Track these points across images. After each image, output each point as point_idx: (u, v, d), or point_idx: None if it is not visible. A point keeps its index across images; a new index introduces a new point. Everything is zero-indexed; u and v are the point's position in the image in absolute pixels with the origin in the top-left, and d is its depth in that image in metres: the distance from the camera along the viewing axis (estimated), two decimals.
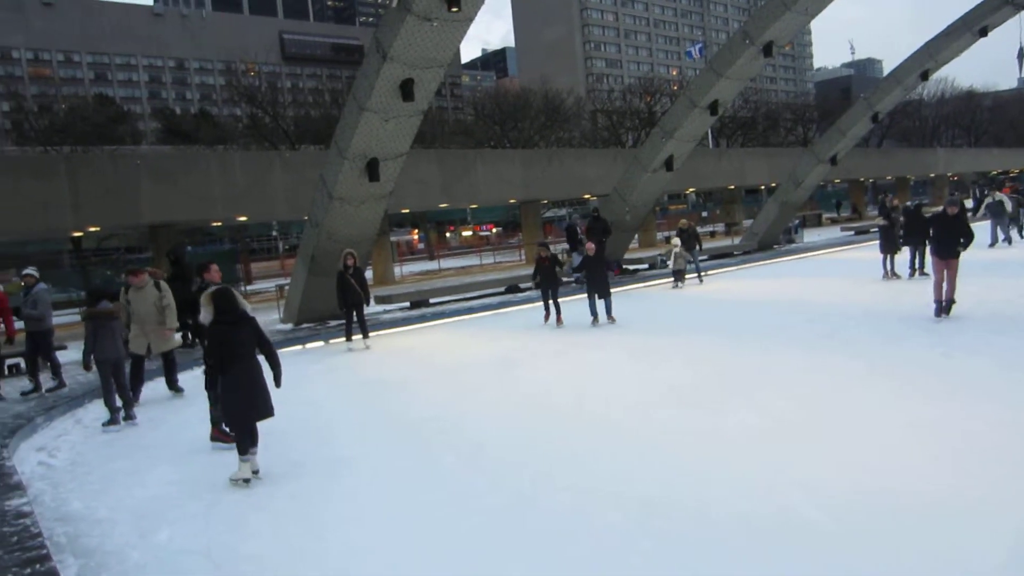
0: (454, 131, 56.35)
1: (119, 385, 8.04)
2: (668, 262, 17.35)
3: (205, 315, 5.86)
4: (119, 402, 8.02)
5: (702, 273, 17.92)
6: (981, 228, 17.34)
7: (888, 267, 14.95)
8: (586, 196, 32.95)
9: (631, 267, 20.64)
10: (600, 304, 12.26)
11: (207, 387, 6.35)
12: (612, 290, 12.46)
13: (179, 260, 12.66)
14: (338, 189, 13.00)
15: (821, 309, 11.98)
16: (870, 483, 4.67)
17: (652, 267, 20.30)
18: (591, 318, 12.25)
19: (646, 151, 18.96)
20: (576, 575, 3.93)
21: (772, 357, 8.78)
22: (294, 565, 4.33)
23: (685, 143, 18.64)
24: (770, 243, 24.73)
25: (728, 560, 3.89)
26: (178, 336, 10.32)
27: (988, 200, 20.06)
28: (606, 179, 26.58)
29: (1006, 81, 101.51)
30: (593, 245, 12.41)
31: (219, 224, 29.63)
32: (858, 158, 41.35)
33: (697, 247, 17.74)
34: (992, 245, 19.05)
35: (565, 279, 14.75)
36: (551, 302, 12.69)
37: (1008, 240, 19.48)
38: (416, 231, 47.56)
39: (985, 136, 78.17)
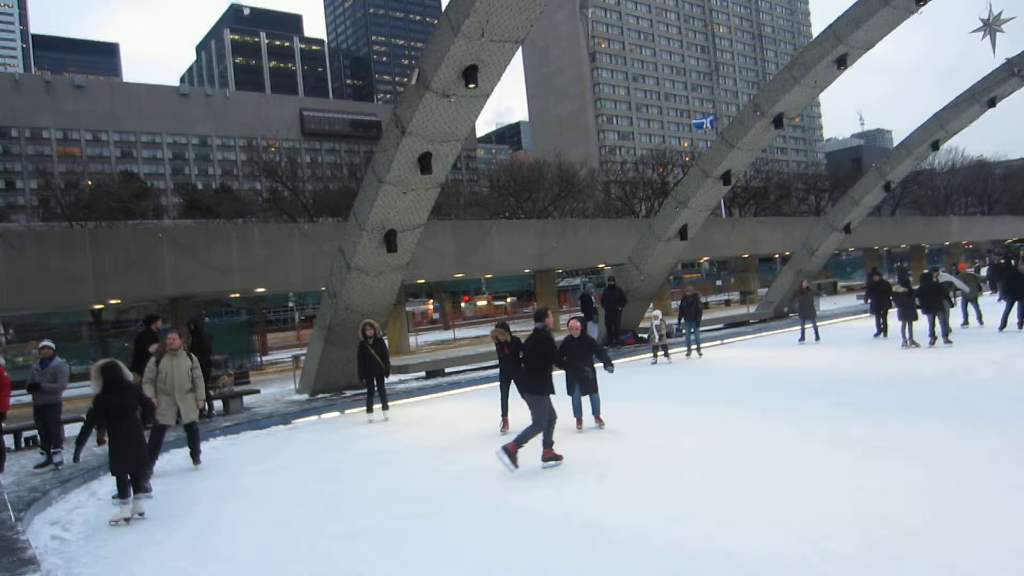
0: (470, 202, 57.37)
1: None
2: (650, 336, 16.56)
3: (95, 386, 7.00)
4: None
5: (700, 346, 16.96)
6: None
7: (907, 335, 14.82)
8: (600, 265, 33.12)
9: (645, 335, 20.52)
10: (586, 402, 9.46)
11: (78, 440, 8.37)
12: (620, 361, 11.44)
13: (199, 330, 12.77)
14: (356, 260, 13.19)
15: (839, 377, 11.82)
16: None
17: (669, 335, 20.19)
18: (574, 420, 9.34)
19: (660, 220, 19.16)
20: None
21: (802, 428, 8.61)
22: None
23: (698, 212, 18.84)
24: (785, 311, 24.60)
25: None
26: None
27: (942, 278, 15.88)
28: (620, 248, 26.79)
29: (1016, 151, 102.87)
30: (577, 324, 9.21)
31: (237, 295, 30.02)
32: (872, 226, 41.51)
33: (697, 319, 16.83)
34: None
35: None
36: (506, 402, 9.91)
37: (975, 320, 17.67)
38: (431, 301, 47.83)
39: (998, 204, 78.42)
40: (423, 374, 16.21)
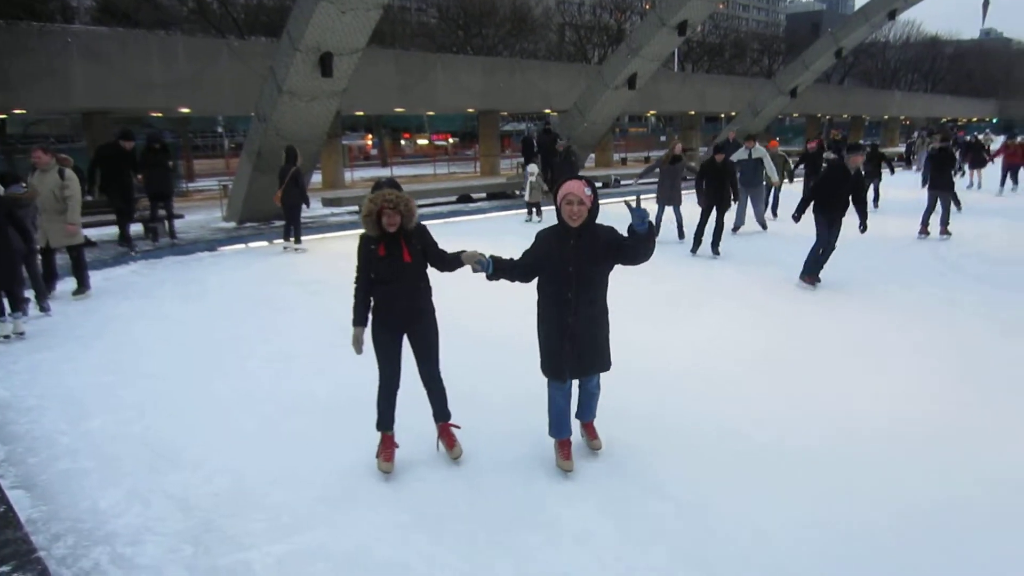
0: (415, 32, 54.00)
1: (31, 275, 7.66)
2: (524, 193, 14.97)
3: None
4: (31, 293, 7.59)
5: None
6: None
7: None
8: (547, 111, 32.29)
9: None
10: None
11: None
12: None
13: (165, 147, 12.18)
14: (289, 82, 12.39)
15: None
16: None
17: (606, 186, 20.25)
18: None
19: (610, 67, 18.59)
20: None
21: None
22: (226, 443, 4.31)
23: (650, 62, 18.31)
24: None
25: None
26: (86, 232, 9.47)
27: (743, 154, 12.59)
28: (569, 94, 25.99)
29: (969, 31, 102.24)
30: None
31: (159, 115, 28.12)
32: (818, 93, 41.45)
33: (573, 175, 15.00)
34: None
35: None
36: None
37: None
38: (370, 136, 46.14)
39: (941, 84, 79.09)
40: (357, 208, 15.89)
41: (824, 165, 13.12)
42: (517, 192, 16.53)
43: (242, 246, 12.39)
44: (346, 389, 5.11)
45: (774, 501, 3.71)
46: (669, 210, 11.58)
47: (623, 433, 4.43)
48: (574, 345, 3.81)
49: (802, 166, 15.14)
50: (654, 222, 9.79)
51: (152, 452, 4.42)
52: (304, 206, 11.92)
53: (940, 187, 11.87)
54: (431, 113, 39.67)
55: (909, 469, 4.02)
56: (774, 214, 14.04)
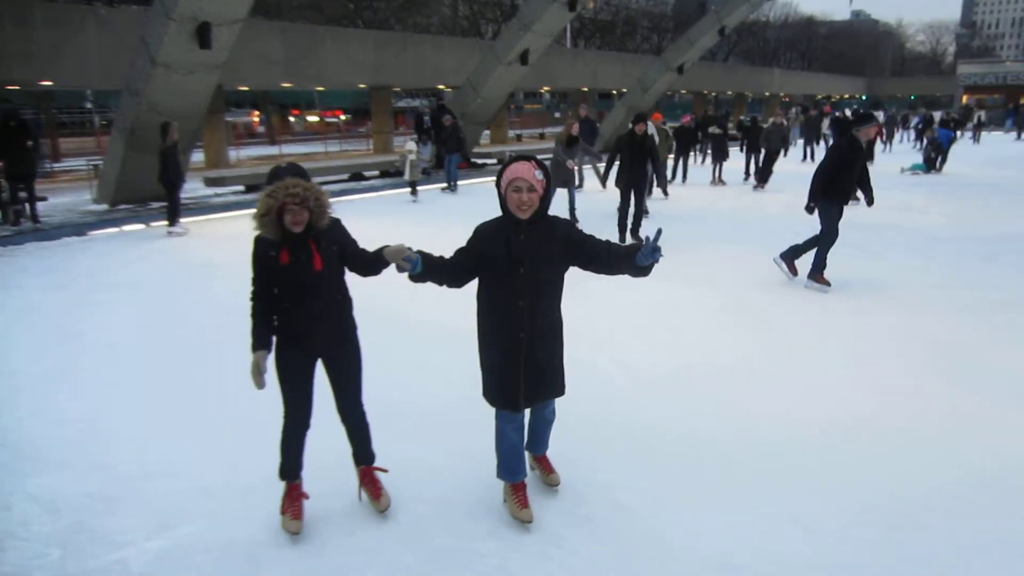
0: (302, 4, 51.89)
1: None
2: (404, 171, 14.18)
3: None
4: None
5: (456, 181, 14.38)
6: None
7: (717, 174, 16.21)
8: (440, 87, 31.90)
9: (479, 161, 20.55)
10: None
11: None
12: (459, 182, 11.66)
13: (24, 124, 11.39)
14: (163, 54, 11.64)
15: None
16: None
17: (500, 163, 20.31)
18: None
19: (502, 42, 18.55)
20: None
21: None
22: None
23: (542, 37, 18.39)
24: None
25: None
26: None
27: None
28: (462, 70, 25.74)
29: (841, 12, 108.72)
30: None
31: (15, 88, 25.77)
32: (704, 70, 42.97)
33: (459, 151, 14.63)
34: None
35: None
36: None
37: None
38: (257, 113, 44.11)
39: (817, 62, 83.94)
40: (242, 188, 15.24)
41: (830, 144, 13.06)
42: (396, 167, 15.62)
43: (115, 230, 11.59)
44: (226, 374, 4.90)
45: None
46: (563, 192, 10.26)
47: (579, 455, 3.80)
48: (530, 366, 3.10)
49: (674, 142, 15.93)
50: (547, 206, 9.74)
51: (11, 453, 4.09)
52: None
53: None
54: (321, 89, 38.37)
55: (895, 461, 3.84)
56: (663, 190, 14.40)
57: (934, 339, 5.78)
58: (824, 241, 7.06)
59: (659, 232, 2.90)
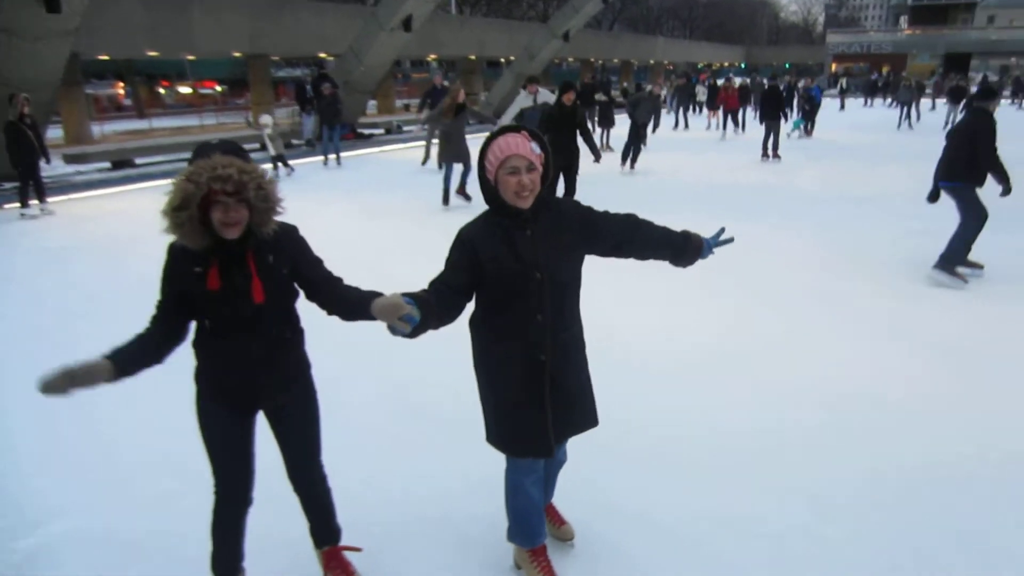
0: None
1: None
2: (269, 148, 13.19)
3: None
4: None
5: (340, 154, 14.05)
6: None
7: (605, 140, 16.64)
8: (322, 55, 30.74)
9: (366, 131, 20.06)
10: None
11: None
12: (344, 154, 11.33)
13: None
14: (5, 19, 10.60)
15: None
16: None
17: (388, 132, 19.92)
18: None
19: (384, 8, 18.06)
20: None
21: None
22: None
23: (424, 3, 18.10)
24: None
25: None
26: None
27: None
28: (344, 38, 24.86)
29: None
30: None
31: None
32: (589, 38, 43.58)
33: (338, 123, 13.93)
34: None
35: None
36: None
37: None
38: (121, 84, 41.02)
39: (698, 31, 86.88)
40: (108, 164, 14.20)
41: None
42: (260, 145, 14.33)
43: None
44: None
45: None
46: (457, 167, 9.68)
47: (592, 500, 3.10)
48: (557, 394, 2.39)
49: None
50: (446, 187, 9.31)
51: None
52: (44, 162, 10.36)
53: (770, 118, 14.70)
54: (192, 58, 36.08)
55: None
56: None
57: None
58: (975, 225, 6.27)
59: (722, 230, 2.58)
